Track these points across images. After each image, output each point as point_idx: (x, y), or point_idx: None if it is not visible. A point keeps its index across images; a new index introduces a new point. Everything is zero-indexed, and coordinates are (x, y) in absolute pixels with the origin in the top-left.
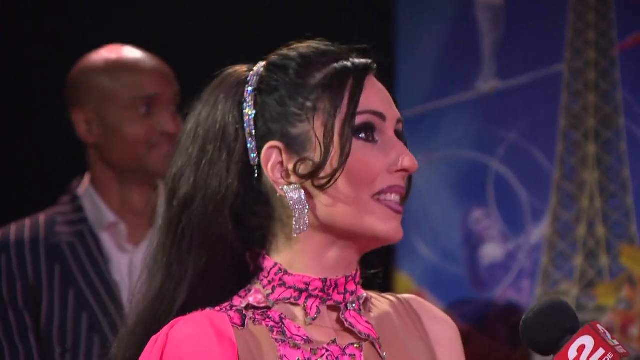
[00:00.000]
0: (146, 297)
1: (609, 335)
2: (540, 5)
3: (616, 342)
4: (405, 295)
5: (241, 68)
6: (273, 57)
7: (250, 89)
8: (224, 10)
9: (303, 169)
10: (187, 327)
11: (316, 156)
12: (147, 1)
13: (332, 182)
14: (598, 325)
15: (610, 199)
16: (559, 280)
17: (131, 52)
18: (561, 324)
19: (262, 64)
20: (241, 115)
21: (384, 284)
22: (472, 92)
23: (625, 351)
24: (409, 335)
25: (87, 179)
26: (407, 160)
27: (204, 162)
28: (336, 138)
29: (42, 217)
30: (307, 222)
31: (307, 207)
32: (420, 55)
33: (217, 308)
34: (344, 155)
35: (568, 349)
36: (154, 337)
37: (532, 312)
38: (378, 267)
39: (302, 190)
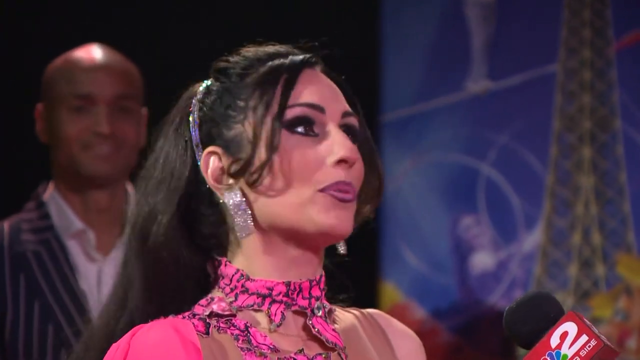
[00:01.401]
0: (101, 312)
1: (595, 328)
2: (533, 2)
3: (603, 336)
4: (370, 310)
5: (198, 84)
6: (218, 64)
7: (195, 99)
8: (204, 10)
9: (234, 168)
10: (150, 334)
11: (248, 155)
12: (147, 1)
13: (260, 177)
14: (585, 318)
15: (606, 205)
16: (553, 290)
17: (87, 52)
18: (545, 314)
19: (210, 73)
20: (189, 126)
21: (370, 295)
22: (462, 93)
23: (612, 344)
24: (374, 348)
25: (52, 183)
26: (343, 149)
27: (158, 177)
28: (264, 134)
29: (6, 225)
30: (250, 224)
31: (248, 210)
32: (408, 55)
33: (180, 316)
34: (272, 147)
35: (550, 336)
36: (114, 345)
37: (515, 302)
38: (359, 279)
39: (239, 192)
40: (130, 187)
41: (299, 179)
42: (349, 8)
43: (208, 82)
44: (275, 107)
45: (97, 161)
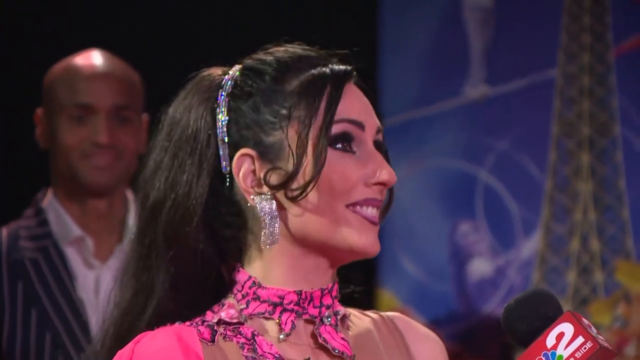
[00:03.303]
0: (117, 309)
1: (593, 329)
2: (532, 6)
3: (600, 337)
4: (389, 313)
5: (216, 71)
6: (248, 62)
7: (224, 94)
8: (203, 10)
9: (274, 178)
10: (153, 342)
11: (289, 166)
12: (147, 1)
13: (304, 194)
14: (583, 318)
15: (605, 212)
16: None
17: (88, 59)
18: (543, 312)
19: (237, 67)
20: (214, 120)
21: (367, 303)
22: (460, 98)
23: (609, 345)
24: (391, 354)
25: (50, 190)
26: (385, 173)
27: (174, 168)
28: (310, 148)
29: (4, 232)
30: (277, 234)
31: (278, 218)
32: (406, 60)
33: (188, 323)
34: (318, 166)
35: (546, 336)
36: (119, 352)
37: (514, 300)
38: (359, 284)
39: (274, 201)
40: (129, 194)
41: (334, 195)
42: (348, 13)
43: (236, 75)
44: (319, 121)
45: (96, 171)
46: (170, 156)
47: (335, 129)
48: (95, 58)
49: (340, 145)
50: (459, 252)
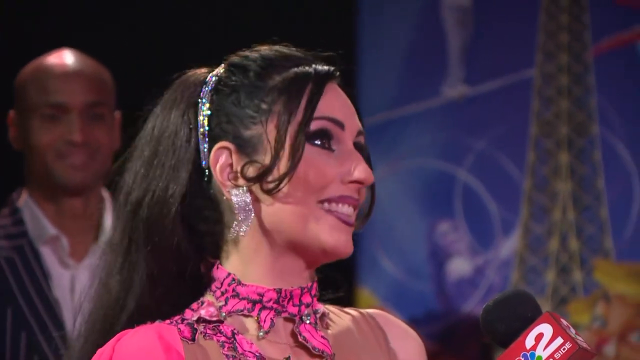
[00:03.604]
0: (97, 306)
1: (572, 329)
2: (509, 6)
3: (580, 337)
4: (369, 310)
5: (201, 70)
6: (234, 58)
7: (207, 88)
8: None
9: (251, 171)
10: (133, 340)
11: (266, 160)
12: (146, 1)
13: (280, 187)
14: (562, 319)
15: (584, 211)
16: None
17: (59, 58)
18: (522, 313)
19: (222, 65)
20: (196, 115)
21: (346, 302)
22: (438, 98)
23: (587, 346)
24: (371, 351)
25: (25, 190)
26: (362, 171)
27: (155, 164)
28: (288, 142)
29: None
30: (248, 225)
31: (252, 212)
32: (383, 59)
33: (168, 321)
34: (295, 160)
35: (526, 337)
36: (99, 350)
37: (493, 300)
38: (341, 285)
39: (249, 194)
40: (105, 193)
41: (308, 190)
42: (325, 13)
43: (220, 71)
44: (299, 117)
45: (71, 170)
46: (150, 153)
47: (315, 125)
48: (65, 57)
49: (318, 142)
50: (438, 252)
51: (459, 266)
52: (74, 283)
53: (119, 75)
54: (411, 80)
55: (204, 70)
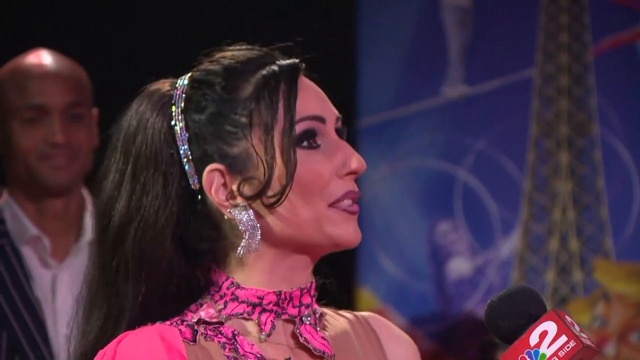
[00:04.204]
0: (86, 337)
1: (577, 327)
2: (509, 6)
3: (584, 335)
4: (364, 313)
5: (164, 84)
6: (195, 74)
7: (178, 109)
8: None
9: (248, 189)
10: (135, 341)
11: (260, 174)
12: (146, 1)
13: (282, 200)
14: (566, 316)
15: (584, 211)
16: None
17: (37, 58)
18: (526, 309)
19: (185, 79)
20: (174, 138)
21: (346, 302)
22: (438, 98)
23: (592, 344)
24: (366, 353)
25: (6, 190)
26: (355, 161)
27: (137, 190)
28: (278, 152)
29: None
30: (258, 241)
31: (258, 227)
32: (384, 60)
33: (168, 322)
34: (290, 169)
35: (530, 335)
36: (101, 352)
37: (497, 297)
38: (338, 287)
39: (251, 210)
40: (85, 192)
41: (311, 194)
42: (325, 13)
43: (185, 89)
44: (281, 124)
45: (54, 171)
46: (130, 178)
47: (299, 128)
48: (43, 57)
49: (305, 143)
50: (438, 252)
51: (459, 266)
52: (55, 283)
53: (92, 73)
54: (411, 80)
55: (167, 85)
